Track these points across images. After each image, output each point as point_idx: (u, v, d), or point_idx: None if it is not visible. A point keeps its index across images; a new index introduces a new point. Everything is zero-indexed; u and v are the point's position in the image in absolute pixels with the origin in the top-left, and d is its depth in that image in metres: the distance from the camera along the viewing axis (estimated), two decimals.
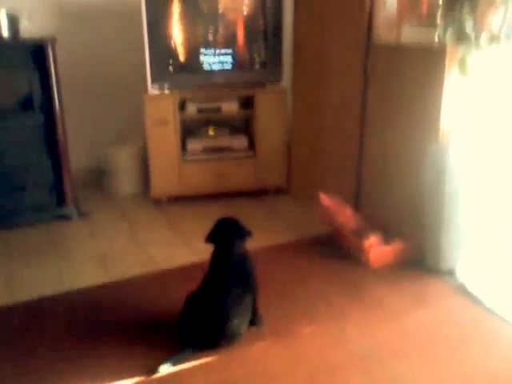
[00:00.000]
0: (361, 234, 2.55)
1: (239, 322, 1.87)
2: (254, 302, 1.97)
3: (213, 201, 3.28)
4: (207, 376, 1.73)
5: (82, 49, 3.46)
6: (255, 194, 3.39)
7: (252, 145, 3.38)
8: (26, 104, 2.91)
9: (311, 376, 1.72)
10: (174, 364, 1.78)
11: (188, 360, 1.80)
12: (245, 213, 3.09)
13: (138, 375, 1.74)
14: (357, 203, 2.94)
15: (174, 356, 1.79)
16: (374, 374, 1.73)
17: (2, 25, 2.78)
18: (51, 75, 2.88)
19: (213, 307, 1.85)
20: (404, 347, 1.87)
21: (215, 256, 1.95)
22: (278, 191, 3.45)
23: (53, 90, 2.91)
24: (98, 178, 3.62)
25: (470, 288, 2.21)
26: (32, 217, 2.99)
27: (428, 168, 2.31)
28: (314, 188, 2.69)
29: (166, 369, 1.76)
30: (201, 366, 1.78)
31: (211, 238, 1.94)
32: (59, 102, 2.94)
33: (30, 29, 2.96)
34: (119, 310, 2.13)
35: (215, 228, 1.95)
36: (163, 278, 2.39)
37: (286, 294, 2.22)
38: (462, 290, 2.22)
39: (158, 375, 1.73)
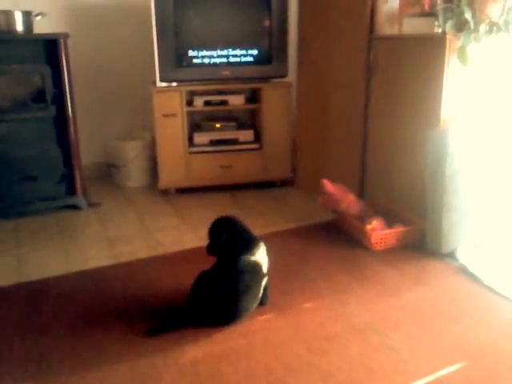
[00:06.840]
0: (363, 219, 2.60)
1: (249, 302, 1.90)
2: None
3: (219, 192, 3.34)
4: (210, 345, 1.78)
5: (92, 45, 3.57)
6: (261, 185, 3.44)
7: (258, 138, 3.44)
8: (39, 97, 3.00)
9: (310, 344, 1.77)
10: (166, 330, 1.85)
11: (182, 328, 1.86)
12: (250, 203, 3.16)
13: (140, 349, 1.78)
14: (361, 191, 2.99)
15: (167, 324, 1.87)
16: (372, 344, 1.76)
17: (17, 20, 2.88)
18: (63, 70, 2.98)
19: (224, 286, 1.87)
20: (402, 320, 1.90)
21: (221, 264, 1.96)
22: (284, 183, 3.51)
23: (64, 84, 3.00)
24: (107, 171, 3.71)
25: (471, 268, 2.24)
26: (42, 206, 3.06)
27: (429, 153, 2.36)
28: (320, 179, 2.73)
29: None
30: (204, 336, 1.83)
31: (212, 251, 1.96)
32: (70, 95, 3.03)
33: (43, 25, 3.06)
34: (125, 289, 2.17)
35: (214, 239, 1.95)
36: (170, 260, 2.45)
37: (289, 274, 2.26)
38: (463, 270, 2.25)
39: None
